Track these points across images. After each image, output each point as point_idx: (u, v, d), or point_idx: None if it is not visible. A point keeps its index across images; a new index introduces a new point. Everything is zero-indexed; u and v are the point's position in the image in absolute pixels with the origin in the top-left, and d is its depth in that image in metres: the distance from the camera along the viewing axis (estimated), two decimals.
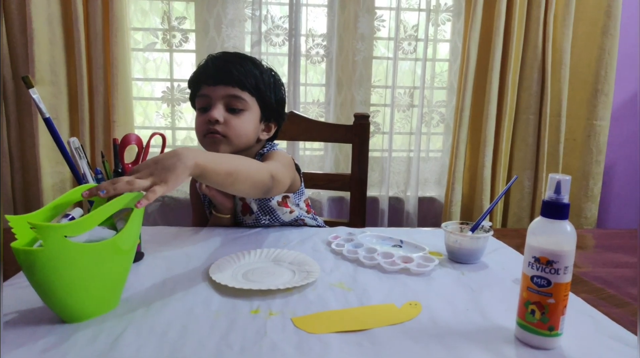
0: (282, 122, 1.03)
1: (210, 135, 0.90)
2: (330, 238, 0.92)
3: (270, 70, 0.98)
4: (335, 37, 1.67)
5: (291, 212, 1.02)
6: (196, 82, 0.93)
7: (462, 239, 0.82)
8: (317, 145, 1.81)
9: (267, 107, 0.96)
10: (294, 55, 1.67)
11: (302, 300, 0.66)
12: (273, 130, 1.02)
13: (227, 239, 0.93)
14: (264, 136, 1.00)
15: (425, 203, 1.82)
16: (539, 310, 0.54)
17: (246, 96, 0.91)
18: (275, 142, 1.09)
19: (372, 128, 1.70)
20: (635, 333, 0.58)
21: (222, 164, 0.73)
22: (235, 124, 0.90)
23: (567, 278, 0.53)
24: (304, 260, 0.79)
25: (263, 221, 1.01)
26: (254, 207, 0.99)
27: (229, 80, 0.89)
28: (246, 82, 0.90)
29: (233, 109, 0.91)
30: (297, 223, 1.05)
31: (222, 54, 0.95)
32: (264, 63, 0.98)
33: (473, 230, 0.84)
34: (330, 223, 1.19)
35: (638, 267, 0.86)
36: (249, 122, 0.93)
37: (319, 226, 1.09)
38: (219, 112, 0.89)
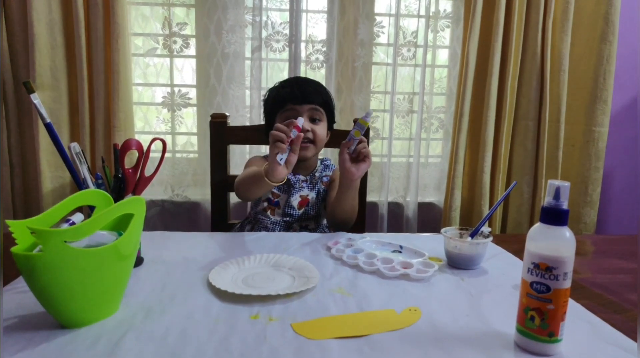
0: (332, 129, 1.27)
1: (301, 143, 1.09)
2: (330, 244, 0.92)
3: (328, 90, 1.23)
4: (334, 43, 1.68)
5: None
6: (282, 102, 1.13)
7: (461, 245, 0.82)
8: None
9: (330, 118, 1.21)
10: (294, 61, 1.67)
11: (302, 305, 0.66)
12: (328, 136, 1.22)
13: (227, 244, 0.93)
14: (326, 140, 1.22)
15: (424, 208, 1.82)
16: (539, 316, 0.54)
17: (321, 109, 1.15)
18: None
19: (371, 133, 1.71)
20: (635, 340, 0.58)
21: (356, 195, 1.09)
22: (319, 131, 1.14)
23: (566, 284, 0.53)
24: (303, 265, 0.79)
25: (308, 224, 1.18)
26: (312, 199, 1.17)
27: (310, 100, 1.12)
28: (320, 98, 1.15)
29: (314, 119, 1.13)
30: (325, 230, 1.20)
31: (298, 79, 1.21)
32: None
33: (472, 235, 0.84)
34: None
35: (638, 273, 0.86)
36: (324, 129, 1.17)
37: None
38: (308, 124, 1.11)
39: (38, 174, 1.53)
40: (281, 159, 0.91)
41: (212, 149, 1.29)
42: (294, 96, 1.12)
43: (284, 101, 1.13)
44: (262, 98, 1.22)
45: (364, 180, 1.31)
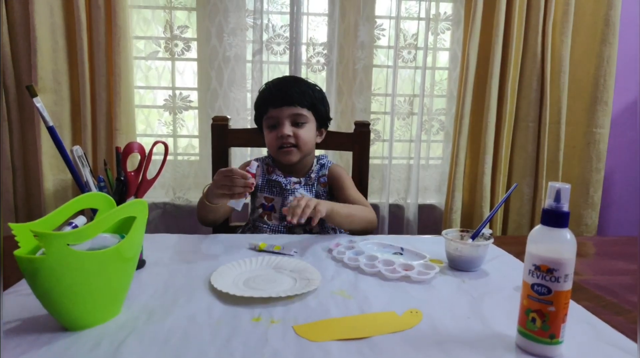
0: (328, 127, 1.24)
1: (284, 149, 1.10)
2: (331, 246, 0.92)
3: (316, 86, 1.17)
4: (335, 45, 1.68)
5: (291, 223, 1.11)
6: (263, 106, 1.11)
7: (462, 247, 0.82)
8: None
9: (320, 118, 1.16)
10: (294, 64, 1.68)
11: (303, 308, 0.66)
12: (324, 135, 1.22)
13: (229, 247, 0.93)
14: (318, 140, 1.21)
15: (425, 210, 1.82)
16: (540, 318, 0.54)
17: (305, 112, 1.11)
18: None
19: (372, 136, 1.71)
20: (636, 341, 0.58)
21: (344, 209, 1.04)
22: (301, 134, 1.10)
23: (567, 286, 0.53)
24: (305, 267, 0.79)
25: (312, 228, 1.12)
26: None
27: (291, 101, 1.09)
28: (304, 100, 1.10)
29: (297, 123, 1.10)
30: (332, 229, 1.17)
31: (281, 80, 1.15)
32: (310, 81, 1.17)
33: (473, 237, 0.84)
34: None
35: (638, 274, 0.86)
36: (310, 131, 1.13)
37: (342, 231, 1.18)
38: (288, 129, 1.08)
39: (40, 177, 1.54)
40: (235, 203, 0.90)
41: (213, 152, 1.30)
42: (273, 100, 1.09)
43: (264, 105, 1.11)
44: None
45: (364, 182, 1.31)
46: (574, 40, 1.69)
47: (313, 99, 1.13)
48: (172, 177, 1.73)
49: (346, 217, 1.04)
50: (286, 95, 1.09)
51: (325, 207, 0.96)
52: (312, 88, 1.15)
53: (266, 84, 1.16)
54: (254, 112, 1.20)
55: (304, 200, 0.92)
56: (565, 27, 1.66)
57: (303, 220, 0.90)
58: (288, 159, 1.11)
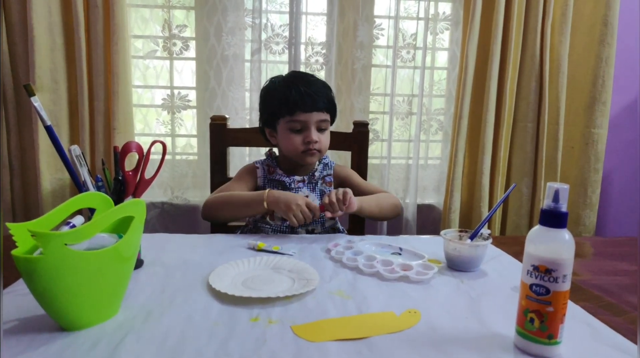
0: None
1: (309, 151, 1.11)
2: (330, 246, 0.92)
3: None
4: (334, 45, 1.68)
5: (332, 218, 1.15)
6: (288, 108, 1.09)
7: (461, 247, 0.82)
8: None
9: (334, 119, 1.18)
10: (293, 63, 1.68)
11: (302, 308, 0.66)
12: None
13: (227, 246, 0.93)
14: None
15: (424, 210, 1.82)
16: (538, 318, 0.54)
17: (328, 117, 1.13)
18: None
19: (371, 135, 1.71)
20: (634, 342, 0.59)
21: (371, 200, 1.10)
22: (324, 140, 1.13)
23: (565, 286, 0.53)
24: (303, 267, 0.79)
25: (312, 226, 1.15)
26: (313, 201, 1.11)
27: (320, 107, 1.10)
28: (330, 106, 1.13)
29: (321, 129, 1.12)
30: (332, 229, 1.18)
31: (306, 81, 1.12)
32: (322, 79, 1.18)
33: (472, 237, 0.84)
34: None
35: (638, 274, 0.86)
36: (329, 135, 1.16)
37: (341, 231, 1.19)
38: (315, 134, 1.10)
39: (37, 176, 1.53)
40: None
41: (211, 151, 1.30)
42: (304, 103, 1.07)
43: (292, 107, 1.08)
44: (263, 85, 1.17)
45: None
46: (572, 40, 1.69)
47: (332, 102, 1.14)
48: (170, 176, 1.73)
49: (377, 205, 1.11)
50: (316, 101, 1.08)
51: (357, 202, 1.02)
52: (330, 89, 1.15)
53: (286, 82, 1.13)
54: (256, 105, 1.16)
55: (341, 192, 0.99)
56: (563, 28, 1.66)
57: (341, 213, 0.99)
58: (310, 160, 1.13)
